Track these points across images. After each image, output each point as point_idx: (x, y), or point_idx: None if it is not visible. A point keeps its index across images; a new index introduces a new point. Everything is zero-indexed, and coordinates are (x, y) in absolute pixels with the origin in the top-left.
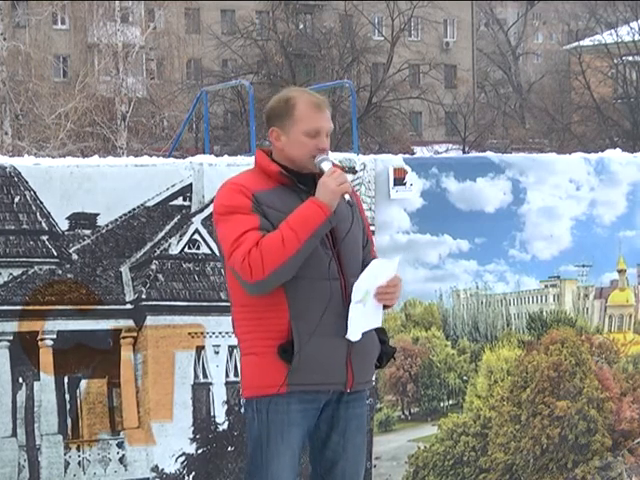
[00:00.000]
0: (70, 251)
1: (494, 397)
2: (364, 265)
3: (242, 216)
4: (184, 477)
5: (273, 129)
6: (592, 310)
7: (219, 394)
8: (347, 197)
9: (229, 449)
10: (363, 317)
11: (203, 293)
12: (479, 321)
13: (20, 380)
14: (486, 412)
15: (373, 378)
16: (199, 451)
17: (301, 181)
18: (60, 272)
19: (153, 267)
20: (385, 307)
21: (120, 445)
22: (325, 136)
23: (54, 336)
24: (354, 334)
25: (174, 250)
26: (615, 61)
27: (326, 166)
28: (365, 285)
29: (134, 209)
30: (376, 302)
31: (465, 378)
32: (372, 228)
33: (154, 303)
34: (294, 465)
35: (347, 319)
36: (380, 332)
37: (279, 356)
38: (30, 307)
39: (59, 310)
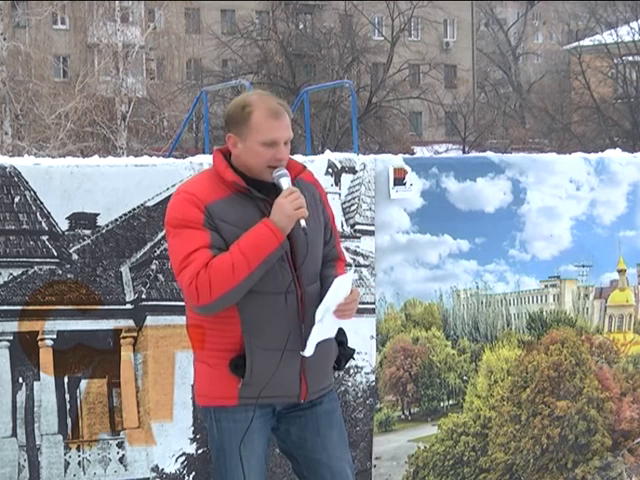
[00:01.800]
0: (70, 251)
1: (494, 397)
2: (324, 261)
3: (193, 231)
4: (184, 477)
5: (230, 135)
6: (592, 310)
7: None
8: (303, 223)
9: None
10: (320, 333)
11: None
12: (479, 321)
13: (20, 380)
14: (486, 412)
15: (332, 379)
16: (199, 451)
17: (259, 187)
18: (60, 272)
19: (153, 267)
20: None
21: (120, 445)
22: (283, 145)
23: (54, 336)
24: (309, 351)
25: None
26: (615, 61)
27: (284, 183)
28: (326, 304)
29: (134, 209)
30: (334, 317)
31: (465, 378)
32: (372, 228)
33: (154, 303)
34: (261, 467)
35: (307, 338)
36: (339, 333)
37: (231, 370)
38: (30, 307)
39: (59, 310)
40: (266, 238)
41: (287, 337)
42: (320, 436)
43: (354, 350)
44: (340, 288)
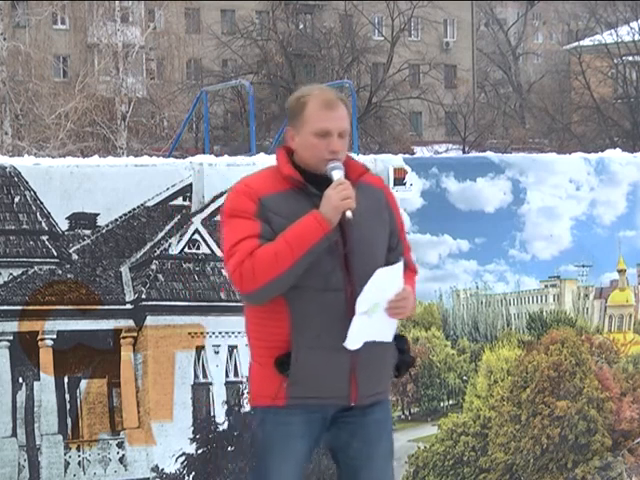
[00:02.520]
0: (70, 251)
1: (494, 397)
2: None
3: (244, 221)
4: (184, 477)
5: (288, 129)
6: (592, 310)
7: (219, 394)
8: (349, 214)
9: (229, 449)
10: (367, 328)
11: (203, 293)
12: (479, 321)
13: (20, 380)
14: (486, 412)
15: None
16: (199, 451)
17: (317, 182)
18: (60, 272)
19: (153, 267)
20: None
21: (120, 445)
22: (337, 137)
23: (54, 336)
24: (352, 343)
25: (174, 250)
26: (615, 61)
27: (336, 175)
28: (371, 297)
29: (134, 209)
30: (386, 315)
31: (465, 378)
32: None
33: (154, 303)
34: (298, 473)
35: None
36: (400, 341)
37: (276, 368)
38: (30, 307)
39: (59, 310)
40: (312, 229)
41: (334, 336)
42: (366, 445)
43: (414, 358)
44: (386, 281)
